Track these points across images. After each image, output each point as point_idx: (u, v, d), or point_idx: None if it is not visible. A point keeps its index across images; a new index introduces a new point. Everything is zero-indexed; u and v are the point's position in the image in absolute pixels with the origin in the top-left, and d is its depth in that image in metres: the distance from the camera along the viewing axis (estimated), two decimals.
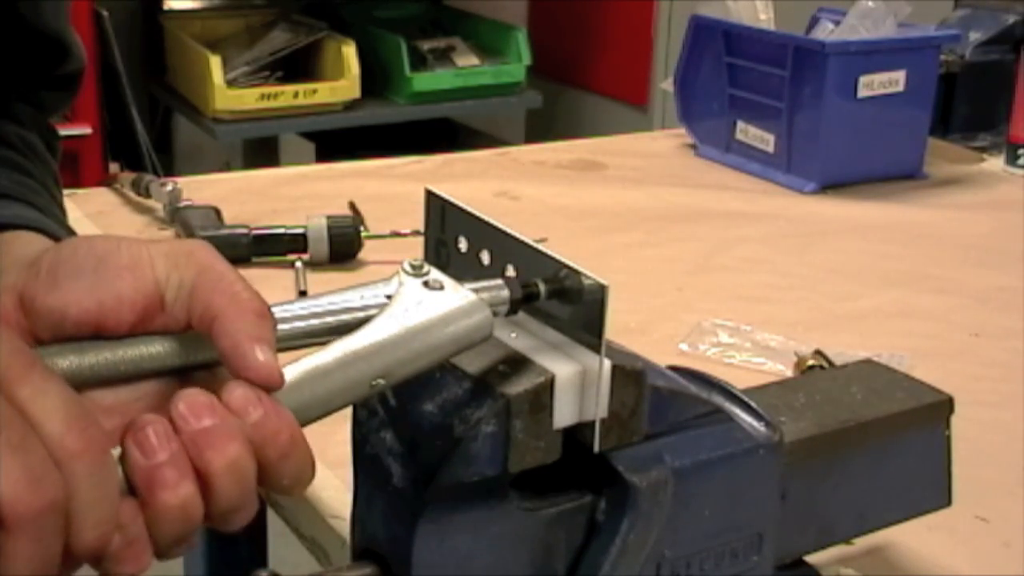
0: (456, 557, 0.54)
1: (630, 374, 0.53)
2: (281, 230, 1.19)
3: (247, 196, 1.40)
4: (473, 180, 1.50)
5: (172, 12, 3.27)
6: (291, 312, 0.50)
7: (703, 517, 0.59)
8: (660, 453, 0.56)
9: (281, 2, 3.28)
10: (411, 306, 0.51)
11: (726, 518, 0.60)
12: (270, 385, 0.47)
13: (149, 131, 3.08)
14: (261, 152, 3.38)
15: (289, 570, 0.61)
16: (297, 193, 1.42)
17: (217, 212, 1.26)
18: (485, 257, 0.57)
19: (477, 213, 0.57)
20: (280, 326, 0.50)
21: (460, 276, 0.54)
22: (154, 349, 0.50)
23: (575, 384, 0.52)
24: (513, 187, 1.48)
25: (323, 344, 0.49)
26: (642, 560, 0.57)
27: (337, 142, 3.05)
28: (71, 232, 0.72)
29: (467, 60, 3.12)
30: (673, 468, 0.57)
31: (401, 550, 0.54)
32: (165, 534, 0.46)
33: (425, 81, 3.03)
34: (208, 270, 0.50)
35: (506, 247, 0.55)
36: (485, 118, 3.39)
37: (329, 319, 0.51)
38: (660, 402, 0.55)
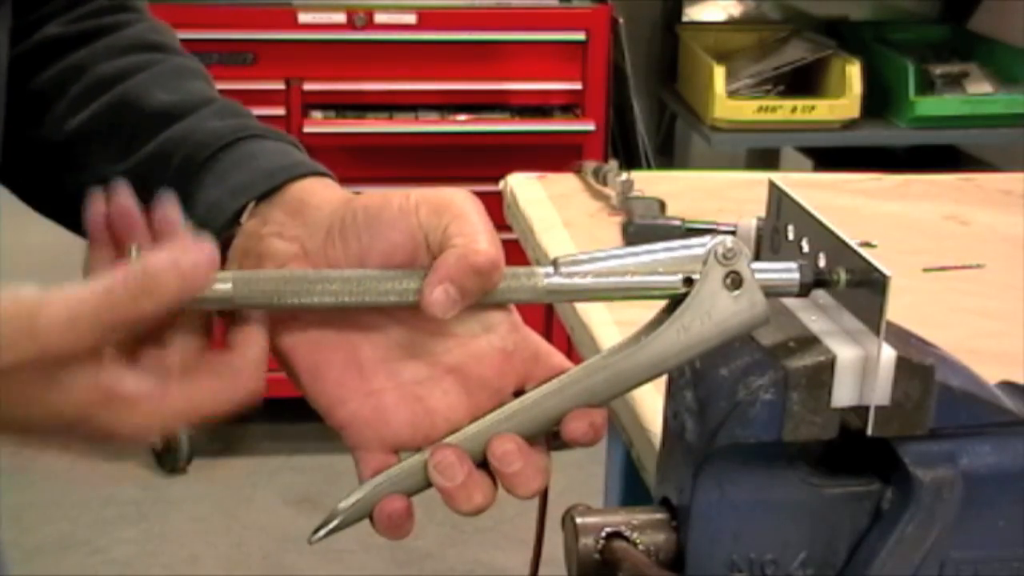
0: (735, 514, 0.58)
1: (917, 367, 0.55)
2: (712, 226, 1.25)
3: (698, 194, 1.47)
4: (926, 202, 1.48)
5: (689, 24, 3.40)
6: (580, 269, 0.58)
7: (997, 527, 0.59)
8: (953, 453, 0.58)
9: (797, 19, 3.32)
10: (700, 316, 0.57)
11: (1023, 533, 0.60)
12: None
13: (654, 135, 3.24)
14: (761, 163, 3.44)
15: None
16: (746, 196, 1.48)
17: (661, 204, 1.34)
18: (806, 245, 0.61)
19: (804, 204, 0.61)
20: (569, 280, 0.58)
21: (785, 260, 0.59)
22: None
23: (856, 368, 0.55)
24: (966, 212, 1.45)
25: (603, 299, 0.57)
26: (922, 555, 0.58)
27: (836, 160, 3.05)
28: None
29: (979, 87, 3.01)
30: (964, 470, 0.58)
31: (685, 499, 0.59)
32: None
33: (930, 106, 2.96)
34: (462, 217, 0.59)
35: (822, 237, 0.59)
36: (994, 148, 3.25)
37: (618, 281, 0.58)
38: (951, 401, 0.57)
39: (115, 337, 0.55)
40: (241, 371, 0.59)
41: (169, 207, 0.60)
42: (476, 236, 0.58)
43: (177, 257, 0.55)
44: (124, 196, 0.61)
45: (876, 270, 0.53)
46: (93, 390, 0.55)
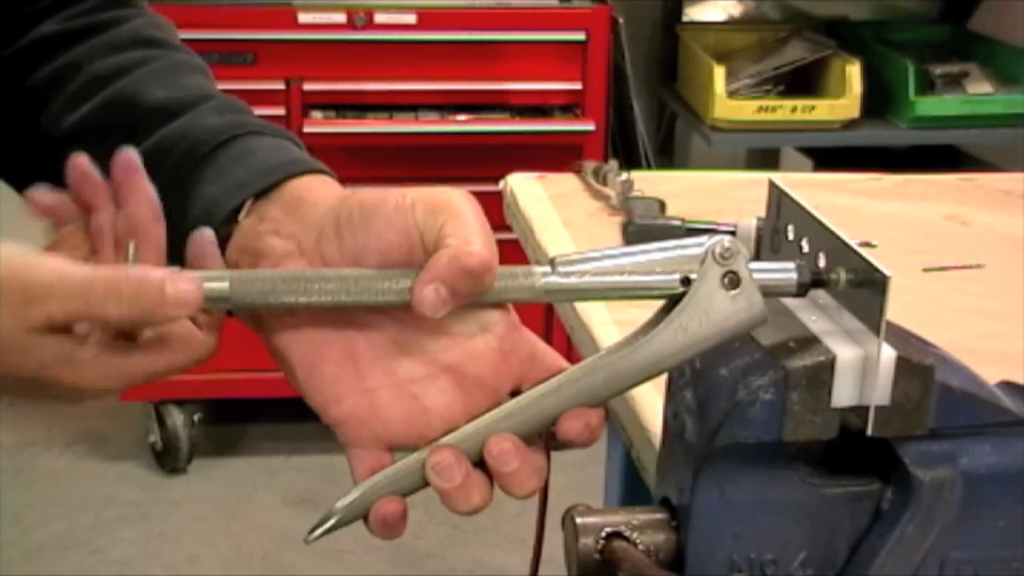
0: (735, 514, 0.58)
1: (916, 367, 0.55)
2: (712, 226, 1.25)
3: (698, 194, 1.47)
4: (926, 201, 1.48)
5: (689, 24, 3.40)
6: (577, 269, 0.58)
7: (997, 527, 0.59)
8: (952, 453, 0.58)
9: (797, 19, 3.32)
10: (698, 316, 0.57)
11: None
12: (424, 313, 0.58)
13: (654, 135, 3.24)
14: (761, 163, 3.44)
15: None
16: (746, 196, 1.48)
17: (661, 204, 1.34)
18: (806, 245, 0.61)
19: (804, 204, 0.61)
20: (566, 279, 0.58)
21: (784, 259, 0.59)
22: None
23: (856, 368, 0.55)
24: (966, 212, 1.44)
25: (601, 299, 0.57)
26: (922, 555, 0.58)
27: (836, 160, 3.05)
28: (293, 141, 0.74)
29: (979, 87, 3.01)
30: (963, 470, 0.58)
31: (685, 499, 0.59)
32: None
33: (930, 106, 2.96)
34: (457, 217, 0.58)
35: (822, 237, 0.59)
36: (994, 148, 3.25)
37: (615, 280, 0.58)
38: (951, 401, 0.57)
39: (76, 323, 0.57)
40: (195, 338, 0.61)
41: (127, 156, 0.62)
42: (470, 237, 0.58)
43: (164, 280, 0.57)
44: (84, 162, 0.63)
45: (876, 270, 0.53)
46: (54, 352, 0.57)
